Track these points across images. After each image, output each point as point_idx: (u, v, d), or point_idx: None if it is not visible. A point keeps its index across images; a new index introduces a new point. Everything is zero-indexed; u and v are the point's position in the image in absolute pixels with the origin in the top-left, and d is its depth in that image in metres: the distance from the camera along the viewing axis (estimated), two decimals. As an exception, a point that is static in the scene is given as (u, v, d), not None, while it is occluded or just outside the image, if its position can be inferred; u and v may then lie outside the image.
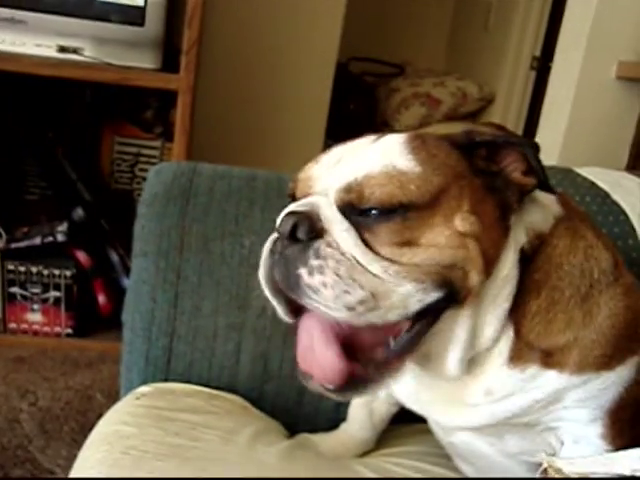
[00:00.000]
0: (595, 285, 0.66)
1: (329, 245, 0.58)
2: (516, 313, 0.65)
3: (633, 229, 1.10)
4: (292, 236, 0.59)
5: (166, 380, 0.91)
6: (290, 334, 0.91)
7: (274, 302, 0.64)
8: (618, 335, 0.65)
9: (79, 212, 1.92)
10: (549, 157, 1.84)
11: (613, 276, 0.68)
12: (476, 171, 0.63)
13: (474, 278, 0.61)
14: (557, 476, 0.43)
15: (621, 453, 0.40)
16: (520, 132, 2.97)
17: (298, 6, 2.39)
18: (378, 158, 0.61)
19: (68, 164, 1.98)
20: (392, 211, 0.58)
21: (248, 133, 2.46)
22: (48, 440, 1.48)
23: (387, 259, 0.58)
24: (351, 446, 0.90)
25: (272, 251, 0.61)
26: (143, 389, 0.89)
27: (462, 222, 0.60)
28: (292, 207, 0.62)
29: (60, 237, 1.87)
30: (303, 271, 0.57)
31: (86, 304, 1.90)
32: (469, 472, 0.84)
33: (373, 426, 0.89)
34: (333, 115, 2.60)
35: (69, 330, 1.89)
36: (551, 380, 0.65)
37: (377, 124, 3.16)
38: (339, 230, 0.59)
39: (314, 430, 0.94)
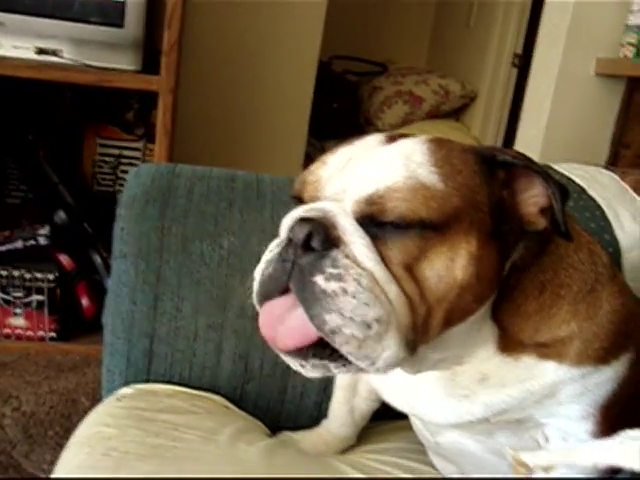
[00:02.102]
0: (600, 279, 0.67)
1: (347, 256, 0.55)
2: (504, 315, 0.64)
3: (609, 224, 1.12)
4: (306, 244, 0.56)
5: (147, 381, 0.92)
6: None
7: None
8: (616, 330, 0.66)
9: (61, 215, 1.91)
10: (530, 153, 1.86)
11: (612, 271, 0.70)
12: (491, 203, 0.60)
13: (451, 322, 0.59)
14: (522, 470, 0.44)
15: (584, 445, 0.41)
16: (502, 129, 3.00)
17: (279, 5, 2.40)
18: (399, 167, 0.58)
19: (49, 167, 1.97)
20: (410, 226, 0.56)
21: (231, 133, 2.46)
22: (32, 445, 1.47)
23: (399, 284, 0.56)
24: (332, 443, 0.90)
25: (283, 258, 0.57)
26: (124, 391, 0.89)
27: (462, 268, 0.57)
28: (303, 212, 0.58)
29: (42, 240, 1.87)
30: (319, 278, 0.54)
31: (69, 307, 1.89)
32: (448, 470, 0.85)
33: (354, 423, 0.89)
34: (316, 114, 2.61)
35: (52, 334, 1.87)
36: (549, 371, 0.64)
37: (360, 123, 3.17)
38: (358, 244, 0.56)
39: (296, 428, 0.94)
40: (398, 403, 0.75)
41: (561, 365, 0.64)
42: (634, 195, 1.24)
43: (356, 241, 0.56)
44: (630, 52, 1.92)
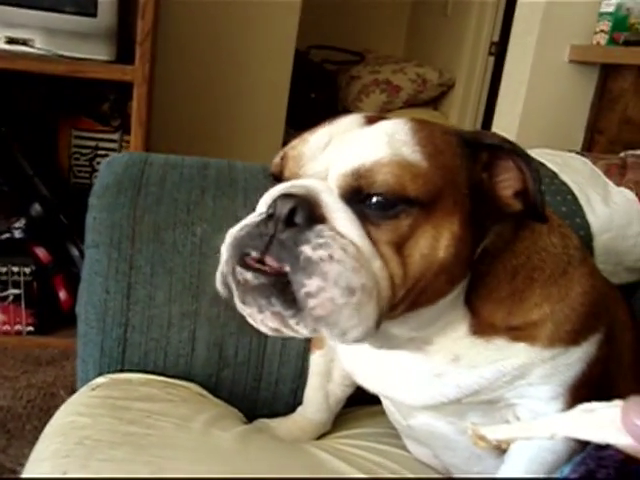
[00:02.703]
0: (571, 261, 0.68)
1: (332, 230, 0.55)
2: (477, 300, 0.65)
3: (580, 208, 1.13)
4: (288, 220, 0.55)
5: (122, 371, 0.91)
6: (244, 320, 0.92)
7: (227, 286, 0.59)
8: (586, 312, 0.67)
9: (37, 208, 1.89)
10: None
11: (583, 254, 0.71)
12: (471, 185, 0.60)
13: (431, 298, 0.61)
14: (482, 444, 0.45)
15: (542, 419, 0.42)
16: (480, 117, 3.01)
17: (255, -6, 2.39)
18: (384, 145, 0.57)
19: (24, 159, 1.95)
20: (395, 204, 0.56)
21: (208, 123, 2.44)
22: (10, 439, 1.46)
23: (383, 260, 0.56)
24: (308, 429, 0.91)
25: (261, 232, 0.56)
26: (98, 380, 0.89)
27: (445, 248, 0.58)
28: (286, 188, 0.58)
29: (18, 234, 1.85)
30: (305, 247, 0.53)
31: (47, 300, 1.87)
32: (421, 453, 0.85)
33: (329, 408, 0.90)
34: (294, 104, 2.60)
35: (30, 328, 1.86)
36: (520, 352, 0.65)
37: (338, 112, 3.16)
38: (342, 219, 0.56)
39: (272, 415, 0.95)
40: (371, 385, 0.75)
41: (533, 347, 0.65)
42: (606, 179, 1.25)
43: (341, 217, 0.56)
44: (603, 39, 1.94)
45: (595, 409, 0.39)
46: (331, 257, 0.53)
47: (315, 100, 3.06)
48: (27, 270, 1.81)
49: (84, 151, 2.11)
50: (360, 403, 0.96)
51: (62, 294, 1.89)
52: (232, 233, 0.59)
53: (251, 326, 0.91)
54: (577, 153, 1.37)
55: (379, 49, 3.56)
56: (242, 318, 0.91)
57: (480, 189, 0.61)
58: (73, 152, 2.10)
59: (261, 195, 0.97)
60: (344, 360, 0.79)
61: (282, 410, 0.95)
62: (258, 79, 2.46)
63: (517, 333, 0.65)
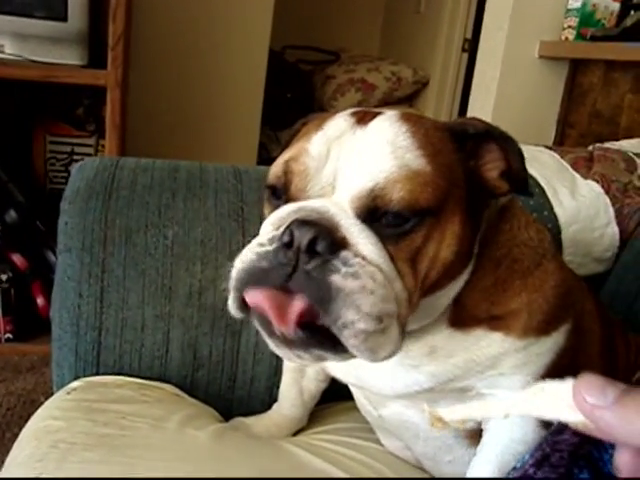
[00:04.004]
0: (546, 254, 0.70)
1: (356, 255, 0.54)
2: (462, 290, 0.66)
3: (548, 201, 1.15)
4: (310, 249, 0.53)
5: (97, 374, 0.92)
6: (217, 321, 0.93)
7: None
8: (558, 303, 0.68)
9: (12, 214, 1.88)
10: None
11: (554, 248, 0.73)
12: (465, 178, 0.61)
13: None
14: (439, 425, 0.46)
15: (497, 399, 0.43)
16: (455, 113, 3.04)
17: (228, -4, 2.39)
18: (388, 155, 0.57)
19: (-2, 166, 1.94)
20: (409, 218, 0.56)
21: (185, 126, 2.44)
22: (-10, 447, 1.46)
23: (402, 279, 0.56)
24: (284, 425, 0.92)
25: (280, 261, 0.54)
26: (74, 384, 0.89)
27: (447, 248, 0.58)
28: (300, 214, 0.56)
29: (-7, 240, 1.84)
30: (336, 277, 0.52)
31: (25, 307, 1.86)
32: (393, 446, 0.87)
33: (303, 403, 0.91)
34: (270, 104, 2.61)
35: (9, 335, 1.85)
36: (495, 342, 0.66)
37: (314, 111, 3.18)
38: (364, 242, 0.55)
39: (249, 414, 0.95)
40: (344, 376, 0.76)
41: (507, 337, 0.66)
42: (573, 172, 1.28)
43: (362, 240, 0.55)
44: (571, 35, 1.97)
45: (548, 388, 0.40)
46: (363, 288, 0.53)
47: (290, 100, 3.07)
48: (4, 277, 1.80)
49: (60, 156, 2.10)
50: (335, 399, 0.97)
51: (40, 300, 1.88)
52: (245, 260, 0.57)
53: (224, 326, 0.93)
54: (545, 147, 1.40)
55: (354, 48, 3.58)
56: (215, 318, 0.93)
57: (471, 178, 0.62)
58: (49, 157, 2.09)
59: (232, 196, 0.99)
60: None
61: (258, 408, 0.96)
62: (233, 80, 2.46)
63: (496, 323, 0.66)
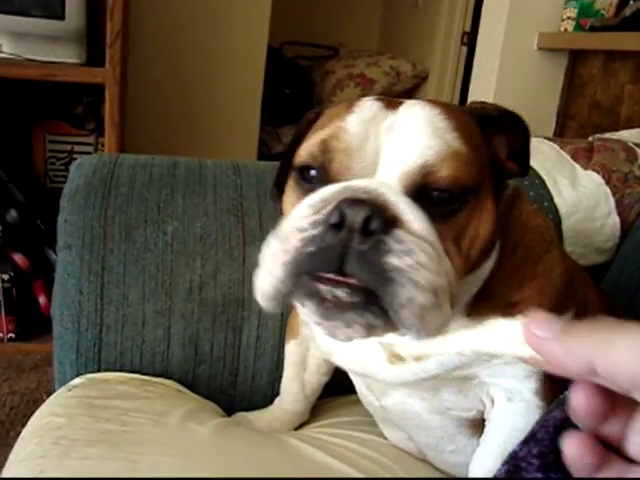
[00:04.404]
0: (553, 241, 0.71)
1: (410, 233, 0.53)
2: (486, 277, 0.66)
3: (548, 191, 1.15)
4: (363, 228, 0.51)
5: (99, 371, 0.92)
6: (218, 316, 0.93)
7: (305, 302, 0.54)
8: (564, 291, 0.68)
9: (13, 214, 1.89)
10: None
11: (557, 236, 0.74)
12: (489, 160, 0.62)
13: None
14: (397, 361, 0.46)
15: (453, 335, 0.44)
16: (455, 107, 3.03)
17: (225, -8, 2.39)
18: (432, 135, 0.57)
19: (-2, 166, 1.94)
20: (457, 197, 0.56)
21: (184, 123, 2.44)
22: (-7, 446, 1.46)
23: (448, 256, 0.56)
24: (286, 419, 0.92)
25: (329, 243, 0.52)
26: (76, 381, 0.89)
27: (485, 227, 0.59)
28: (350, 192, 0.54)
29: (-6, 240, 1.84)
30: (391, 258, 0.51)
31: (27, 306, 1.87)
32: (396, 438, 0.86)
33: (305, 397, 0.91)
34: (269, 100, 2.60)
35: (11, 334, 1.86)
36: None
37: (313, 107, 3.17)
38: (415, 220, 0.54)
39: (251, 409, 0.95)
40: (348, 364, 0.75)
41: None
42: (573, 163, 1.28)
43: (413, 218, 0.54)
44: (570, 26, 1.97)
45: (501, 325, 0.42)
46: (418, 263, 0.52)
47: (289, 96, 3.06)
48: (5, 277, 1.81)
49: (60, 155, 2.10)
50: (337, 393, 0.97)
51: (42, 299, 1.88)
52: (286, 256, 0.54)
53: (225, 321, 0.93)
54: (545, 138, 1.39)
55: (353, 43, 3.57)
56: (216, 314, 0.93)
57: (492, 160, 0.63)
58: (48, 156, 2.10)
59: (231, 191, 0.99)
60: (322, 341, 0.78)
61: (260, 403, 0.96)
62: (231, 77, 2.46)
63: (511, 310, 0.65)
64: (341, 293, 0.51)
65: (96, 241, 0.92)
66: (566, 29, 1.98)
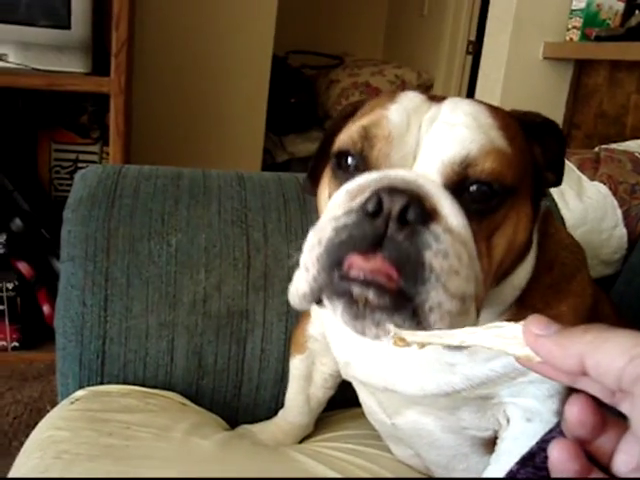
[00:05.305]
0: (583, 261, 0.71)
1: (446, 230, 0.52)
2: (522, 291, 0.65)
3: (554, 203, 1.14)
4: (401, 218, 0.50)
5: (102, 383, 0.91)
6: (222, 328, 0.92)
7: (334, 301, 0.53)
8: (592, 311, 0.69)
9: (17, 223, 1.88)
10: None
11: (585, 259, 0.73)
12: (531, 165, 0.61)
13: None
14: (400, 344, 0.47)
15: (456, 329, 0.44)
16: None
17: (231, 1, 2.39)
18: (477, 130, 0.56)
19: (3, 174, 1.94)
20: (496, 194, 0.55)
21: (189, 132, 2.44)
22: (-4, 456, 1.45)
23: (479, 257, 0.55)
24: (290, 432, 0.91)
25: (365, 231, 0.51)
26: (78, 393, 0.89)
27: (521, 232, 0.58)
28: (389, 181, 0.53)
29: (-1, 249, 1.84)
30: (428, 254, 0.50)
31: (31, 315, 1.86)
32: (405, 455, 0.85)
33: (310, 411, 0.90)
34: (274, 109, 2.60)
35: (15, 343, 1.85)
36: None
37: (318, 116, 3.18)
38: (452, 214, 0.53)
39: (255, 421, 0.95)
40: (367, 377, 0.73)
41: None
42: (580, 174, 1.27)
43: (452, 213, 0.53)
44: (576, 36, 1.96)
45: (504, 326, 0.43)
46: (451, 268, 0.51)
47: (294, 105, 3.06)
48: (10, 285, 1.80)
49: (65, 164, 2.10)
50: (342, 406, 0.96)
51: (46, 308, 1.88)
52: (322, 239, 0.53)
53: (229, 334, 0.92)
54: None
55: (358, 52, 3.57)
56: (219, 326, 0.92)
57: (533, 167, 0.62)
58: (53, 165, 2.09)
59: (235, 203, 0.98)
60: (339, 353, 0.76)
61: (264, 416, 0.96)
62: (237, 86, 2.46)
63: None
64: (371, 295, 0.51)
65: (99, 253, 0.92)
66: (572, 39, 1.97)
